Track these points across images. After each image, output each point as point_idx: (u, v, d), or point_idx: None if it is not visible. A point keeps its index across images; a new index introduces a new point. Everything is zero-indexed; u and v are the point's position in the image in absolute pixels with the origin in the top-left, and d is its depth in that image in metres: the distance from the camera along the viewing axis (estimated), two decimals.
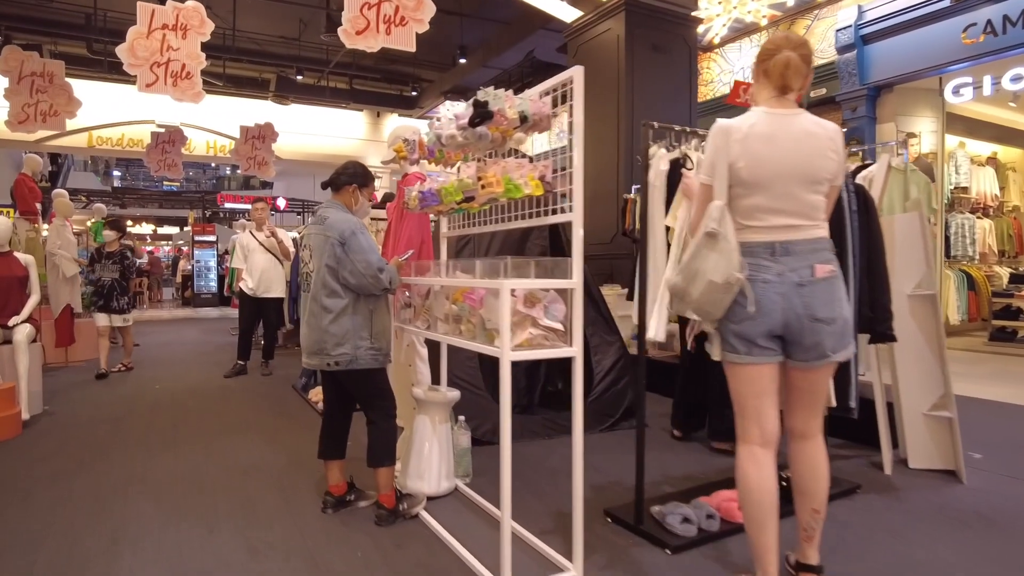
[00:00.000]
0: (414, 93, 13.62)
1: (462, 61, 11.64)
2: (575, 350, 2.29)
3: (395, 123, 14.47)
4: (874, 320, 3.10)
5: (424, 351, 3.59)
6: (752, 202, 2.07)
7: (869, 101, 9.18)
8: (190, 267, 17.34)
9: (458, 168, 2.77)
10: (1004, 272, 9.64)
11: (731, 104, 3.01)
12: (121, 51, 5.45)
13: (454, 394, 3.19)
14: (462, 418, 3.37)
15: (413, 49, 4.94)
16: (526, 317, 2.25)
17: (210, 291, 16.85)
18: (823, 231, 2.10)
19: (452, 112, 2.50)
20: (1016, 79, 8.07)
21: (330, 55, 12.05)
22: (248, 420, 4.74)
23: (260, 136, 9.80)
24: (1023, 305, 8.63)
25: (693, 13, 7.24)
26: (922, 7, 8.36)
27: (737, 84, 3.01)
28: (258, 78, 12.88)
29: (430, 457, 3.10)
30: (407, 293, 3.15)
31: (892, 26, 8.73)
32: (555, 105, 2.43)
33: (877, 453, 3.79)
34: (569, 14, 7.48)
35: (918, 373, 3.52)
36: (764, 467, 2.10)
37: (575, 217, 2.29)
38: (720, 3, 8.86)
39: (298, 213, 18.60)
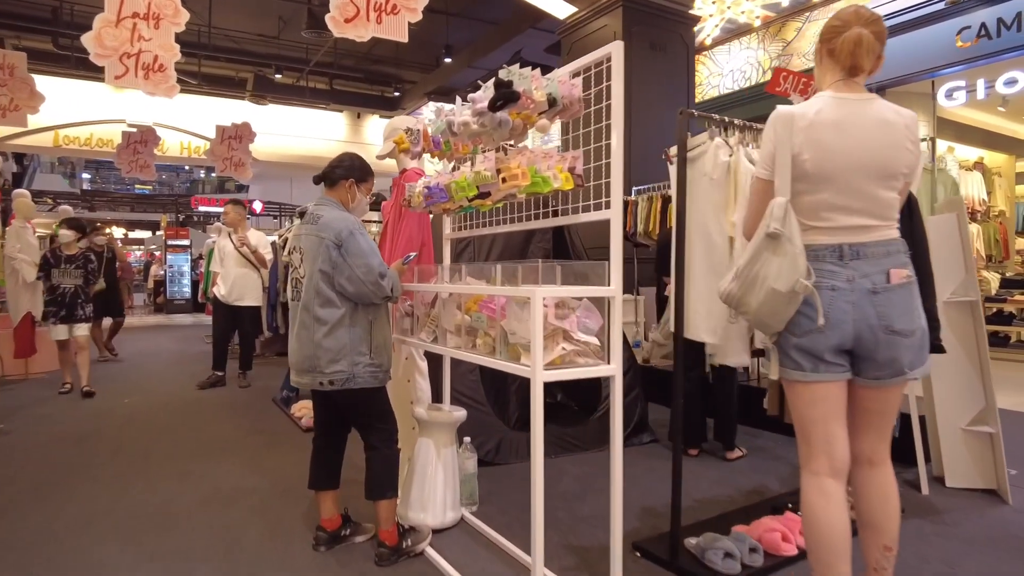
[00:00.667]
0: (396, 94, 13.27)
1: (447, 61, 11.33)
2: (614, 368, 1.99)
3: (376, 124, 14.11)
4: None
5: (424, 365, 3.26)
6: (818, 199, 1.83)
7: None
8: (163, 272, 16.76)
9: (471, 161, 2.46)
10: (992, 277, 9.58)
11: (770, 93, 2.75)
12: (87, 40, 5.03)
13: (460, 413, 2.87)
14: (467, 439, 3.05)
15: (405, 39, 4.60)
16: (557, 330, 1.95)
17: (183, 297, 16.26)
18: (896, 231, 1.85)
19: (477, 94, 2.18)
20: (1010, 83, 8.00)
21: (310, 54, 11.66)
22: (227, 439, 4.35)
23: (237, 136, 9.38)
24: (1015, 310, 8.55)
25: (690, 11, 7.02)
26: (916, 9, 8.26)
27: (777, 71, 2.74)
28: (235, 77, 12.45)
29: (434, 485, 2.77)
30: (408, 302, 2.83)
31: (887, 27, 8.59)
32: (586, 89, 2.14)
33: (906, 469, 3.56)
34: (563, 10, 7.22)
35: (956, 385, 3.28)
36: (834, 501, 1.83)
37: (613, 215, 2.00)
38: (714, 2, 8.70)
39: (274, 216, 18.10)
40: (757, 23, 9.62)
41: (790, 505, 2.77)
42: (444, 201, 2.53)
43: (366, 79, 13.21)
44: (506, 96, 2.02)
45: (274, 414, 5.10)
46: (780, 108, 1.88)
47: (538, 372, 1.84)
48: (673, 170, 2.43)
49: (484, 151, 2.36)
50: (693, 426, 3.90)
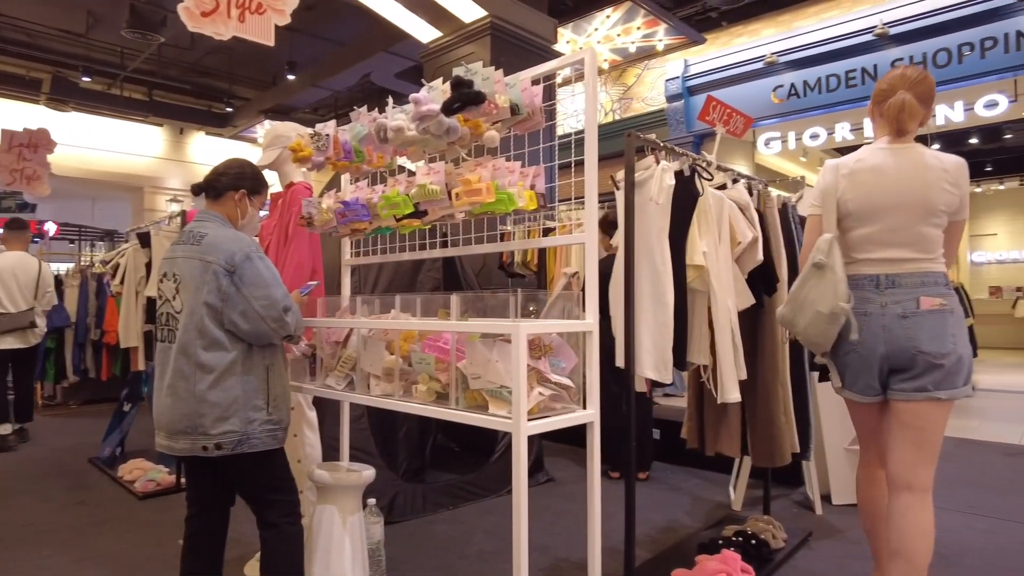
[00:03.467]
0: (229, 110, 12.12)
1: (291, 78, 10.60)
2: (592, 413, 1.74)
3: (202, 141, 12.78)
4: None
5: (313, 415, 2.77)
6: (862, 233, 2.08)
7: (695, 148, 9.86)
8: None
9: (387, 176, 2.11)
10: None
11: (701, 120, 2.72)
12: None
13: (368, 473, 2.42)
14: (372, 502, 2.60)
15: (271, 43, 4.07)
16: (531, 372, 1.65)
17: None
18: (937, 265, 2.03)
19: (421, 95, 1.84)
20: (814, 136, 9.14)
21: (125, 59, 10.28)
22: (36, 519, 3.41)
23: (31, 145, 7.89)
24: None
25: (553, 46, 7.14)
26: (739, 67, 9.18)
27: (709, 99, 2.73)
28: (25, 76, 10.61)
29: (340, 563, 2.29)
30: (306, 341, 2.36)
31: (714, 80, 9.47)
32: (546, 99, 1.91)
33: (793, 490, 3.71)
34: (427, 34, 6.99)
35: (839, 408, 3.45)
36: (883, 486, 2.15)
37: (588, 238, 1.77)
38: (568, 43, 9.02)
39: (72, 241, 15.61)
40: (605, 66, 10.16)
41: (721, 542, 2.68)
42: (363, 220, 2.14)
43: (193, 92, 11.94)
44: (467, 98, 1.72)
45: (95, 479, 4.14)
46: (828, 161, 2.16)
47: (522, 424, 1.52)
48: (619, 195, 2.26)
49: (426, 159, 2.02)
50: (612, 447, 3.73)
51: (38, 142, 7.95)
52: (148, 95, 11.62)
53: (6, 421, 5.14)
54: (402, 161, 2.50)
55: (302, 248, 2.65)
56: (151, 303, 4.28)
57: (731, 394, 2.37)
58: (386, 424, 3.58)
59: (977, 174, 12.54)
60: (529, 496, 3.66)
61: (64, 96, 10.48)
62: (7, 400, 5.24)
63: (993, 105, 7.48)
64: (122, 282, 4.76)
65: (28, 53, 9.91)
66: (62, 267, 9.62)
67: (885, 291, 2.00)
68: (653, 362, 2.30)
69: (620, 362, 2.27)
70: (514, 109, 1.80)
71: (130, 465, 4.04)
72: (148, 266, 4.40)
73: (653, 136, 2.38)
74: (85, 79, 10.11)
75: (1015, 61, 6.92)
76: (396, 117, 1.95)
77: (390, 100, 2.06)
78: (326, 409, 2.90)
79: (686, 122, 9.76)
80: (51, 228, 14.47)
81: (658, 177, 2.26)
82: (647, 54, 9.60)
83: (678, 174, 2.29)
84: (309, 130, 2.43)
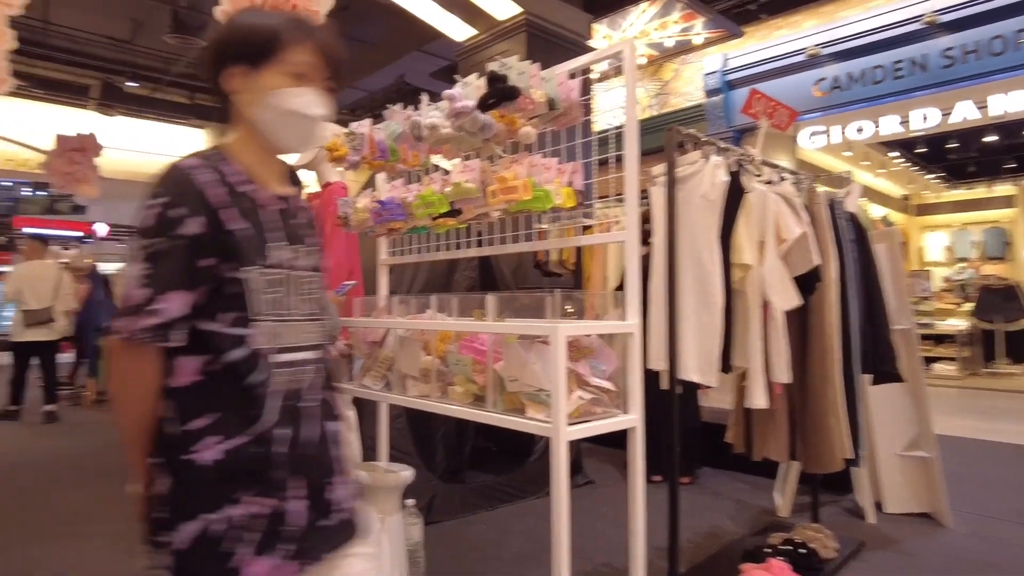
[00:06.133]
0: None
1: None
2: (635, 418, 1.68)
3: None
4: (876, 358, 2.82)
5: (352, 415, 2.76)
6: None
7: (735, 143, 9.64)
8: None
9: (423, 174, 2.08)
10: None
11: (744, 114, 2.64)
12: None
13: (407, 474, 2.41)
14: (410, 502, 2.58)
15: None
16: (570, 375, 1.61)
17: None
18: None
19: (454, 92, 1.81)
20: (859, 130, 8.85)
21: (169, 64, 10.54)
22: (84, 511, 3.50)
23: (80, 148, 8.15)
24: None
25: (587, 42, 7.06)
26: (781, 60, 8.94)
27: (752, 93, 2.64)
28: (75, 83, 10.96)
29: (380, 565, 2.28)
30: (344, 341, 2.36)
31: (755, 74, 9.24)
32: (582, 94, 1.86)
33: (843, 496, 3.57)
34: (461, 32, 6.98)
35: (891, 412, 3.32)
36: None
37: (629, 236, 1.71)
38: (604, 38, 8.92)
39: (121, 241, 16.11)
40: (642, 61, 10.02)
41: (767, 550, 2.59)
42: (399, 219, 2.12)
43: None
44: (502, 93, 1.68)
45: None
46: None
47: (561, 429, 1.48)
48: (656, 191, 2.20)
49: (463, 157, 1.99)
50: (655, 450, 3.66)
51: (87, 146, 8.20)
52: (190, 98, 11.90)
53: (20, 403, 6.10)
54: (436, 159, 2.47)
55: (339, 248, 2.65)
56: None
57: (757, 400, 2.26)
58: (424, 424, 3.56)
59: None
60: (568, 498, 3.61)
61: (111, 101, 10.81)
62: (25, 382, 6.23)
63: None
64: None
65: (77, 60, 10.22)
66: (113, 267, 9.93)
67: None
68: (697, 364, 2.23)
69: (650, 364, 2.21)
70: (551, 104, 1.75)
71: None
72: None
73: (693, 132, 2.31)
74: (130, 84, 10.40)
75: None
76: (431, 115, 1.92)
77: (424, 97, 2.03)
78: (363, 409, 2.90)
79: (726, 117, 9.55)
80: (102, 229, 14.94)
81: (709, 173, 2.18)
82: (684, 48, 9.43)
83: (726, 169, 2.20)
84: (344, 129, 2.43)
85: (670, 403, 2.15)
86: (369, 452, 2.80)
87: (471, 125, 1.79)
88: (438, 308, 2.07)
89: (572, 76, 1.83)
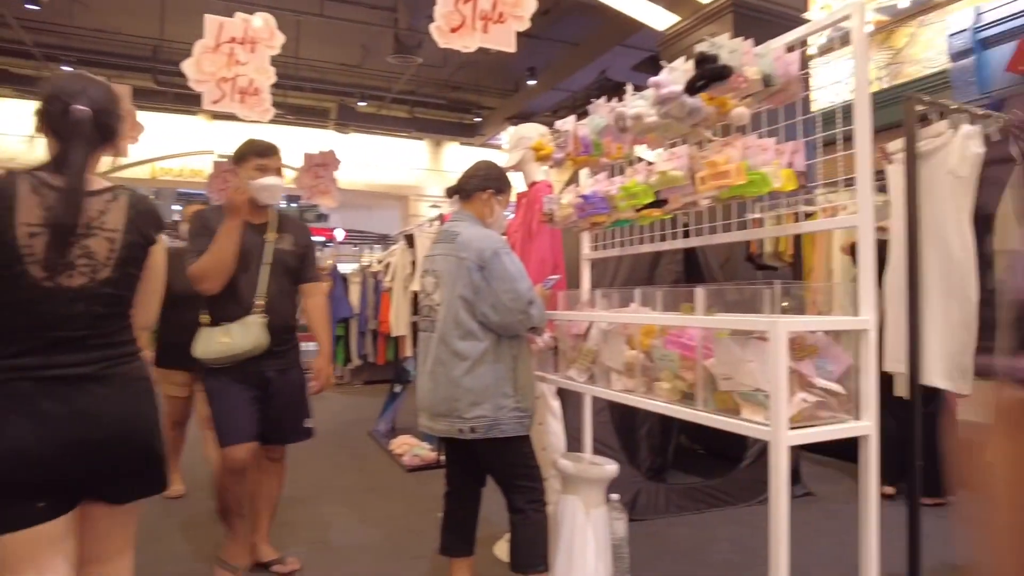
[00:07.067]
0: (477, 120, 13.13)
1: (532, 83, 11.09)
2: (868, 425, 1.50)
3: (454, 151, 14.00)
4: None
5: (557, 405, 2.83)
6: None
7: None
8: None
9: (625, 166, 2.05)
10: None
11: (1012, 71, 2.24)
12: (187, 66, 4.99)
13: (612, 468, 2.40)
14: (615, 497, 2.57)
15: (512, 49, 4.26)
16: (792, 375, 1.47)
17: None
18: None
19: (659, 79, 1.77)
20: None
21: (391, 82, 11.66)
22: (325, 481, 4.02)
23: (323, 164, 9.37)
24: None
25: (804, 15, 6.47)
26: None
27: (1022, 43, 2.22)
28: (317, 107, 12.60)
29: (584, 556, 2.30)
30: (549, 334, 2.41)
31: (1016, 27, 7.76)
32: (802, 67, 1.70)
33: None
34: (663, 21, 6.80)
35: None
36: None
37: (862, 221, 1.53)
38: (823, 8, 8.10)
39: (355, 244, 18.32)
40: (870, 28, 8.93)
41: None
42: (602, 213, 2.12)
43: (447, 106, 13.14)
44: (713, 73, 1.60)
45: (372, 450, 4.76)
46: None
47: (782, 433, 1.36)
48: (893, 170, 1.93)
49: (668, 144, 1.94)
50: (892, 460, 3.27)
51: (328, 161, 9.39)
52: (410, 113, 13.06)
53: None
54: (640, 151, 2.43)
55: (544, 244, 2.73)
56: (416, 297, 4.81)
57: None
58: (627, 419, 3.53)
59: None
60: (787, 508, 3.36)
61: (346, 120, 12.25)
62: None
63: None
64: (392, 279, 5.41)
65: (317, 87, 11.73)
66: (348, 267, 11.29)
67: None
68: (944, 369, 1.93)
69: (885, 366, 1.95)
70: (766, 81, 1.63)
71: (399, 440, 4.56)
72: (413, 264, 4.94)
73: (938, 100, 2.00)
74: (361, 104, 11.68)
75: None
76: (635, 104, 1.89)
77: (629, 87, 2.00)
78: (567, 400, 2.95)
79: (978, 82, 8.14)
80: (340, 234, 17.06)
81: (959, 145, 1.88)
82: (923, 7, 8.22)
83: (985, 139, 1.88)
84: (545, 128, 2.49)
85: (911, 411, 1.89)
86: (574, 443, 2.84)
87: (678, 110, 1.73)
88: (642, 302, 2.03)
89: (790, 49, 1.68)
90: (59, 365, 1.39)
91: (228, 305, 2.38)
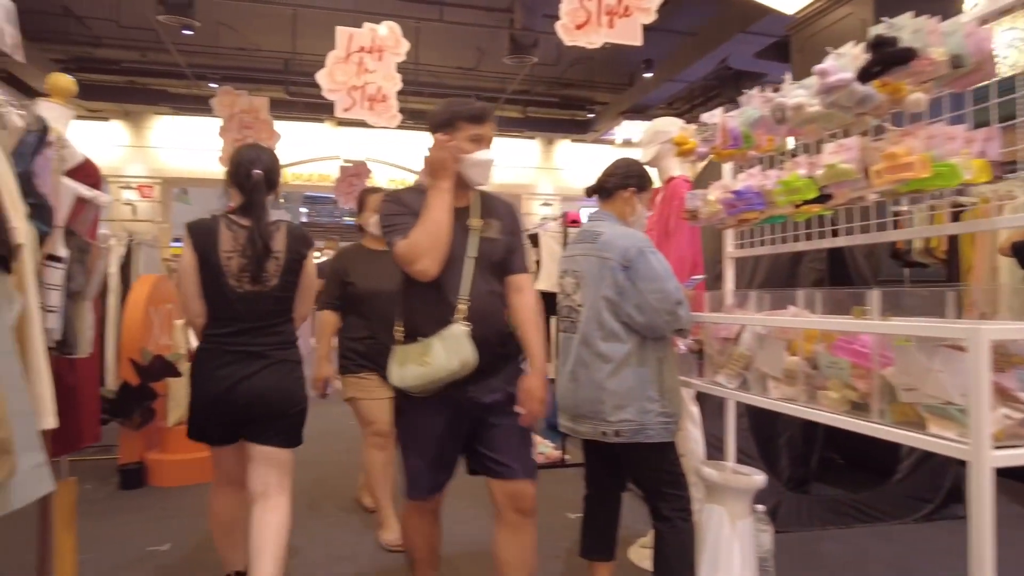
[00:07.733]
0: (591, 116, 13.04)
1: (648, 76, 10.86)
2: None
3: (565, 149, 13.99)
4: None
5: (696, 411, 2.74)
6: None
7: None
8: None
9: (783, 160, 1.93)
10: None
11: None
12: (321, 77, 5.33)
13: (760, 478, 2.29)
14: (761, 508, 2.45)
15: (639, 43, 4.19)
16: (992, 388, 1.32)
17: None
18: None
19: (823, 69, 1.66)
20: None
21: (506, 83, 11.81)
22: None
23: (356, 174, 9.79)
24: None
25: None
26: None
27: None
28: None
29: (729, 567, 2.21)
30: (694, 336, 2.33)
31: None
32: None
33: None
34: (792, 4, 6.42)
35: None
36: None
37: None
38: None
39: None
40: None
41: None
42: (756, 209, 2.02)
43: (558, 104, 13.14)
44: (893, 57, 1.47)
45: None
46: None
47: (985, 452, 1.23)
48: None
49: (827, 137, 1.82)
50: None
51: (360, 171, 9.66)
52: (523, 112, 13.18)
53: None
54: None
55: (682, 242, 2.65)
56: (542, 295, 4.83)
57: None
58: (766, 427, 3.36)
59: None
60: (933, 529, 3.10)
61: None
62: None
63: None
64: None
65: (435, 91, 12.09)
66: None
67: None
68: None
69: None
70: (955, 61, 1.47)
71: None
72: (538, 263, 4.97)
73: None
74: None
75: None
76: (796, 94, 1.77)
77: (788, 76, 1.89)
78: (706, 406, 2.85)
79: None
80: None
81: None
82: None
83: None
84: (681, 122, 2.40)
85: None
86: (711, 450, 2.74)
87: (847, 99, 1.61)
88: (804, 304, 1.91)
89: (983, 23, 1.51)
90: (243, 344, 2.12)
91: (425, 313, 1.90)
